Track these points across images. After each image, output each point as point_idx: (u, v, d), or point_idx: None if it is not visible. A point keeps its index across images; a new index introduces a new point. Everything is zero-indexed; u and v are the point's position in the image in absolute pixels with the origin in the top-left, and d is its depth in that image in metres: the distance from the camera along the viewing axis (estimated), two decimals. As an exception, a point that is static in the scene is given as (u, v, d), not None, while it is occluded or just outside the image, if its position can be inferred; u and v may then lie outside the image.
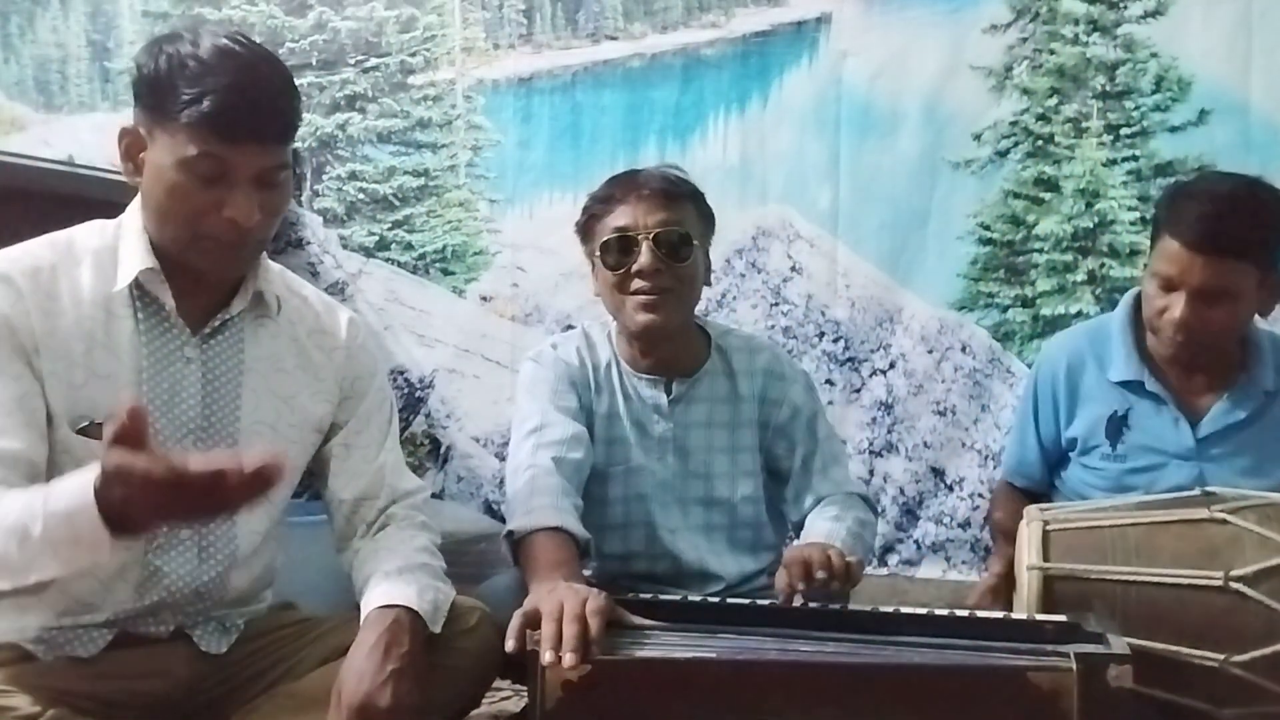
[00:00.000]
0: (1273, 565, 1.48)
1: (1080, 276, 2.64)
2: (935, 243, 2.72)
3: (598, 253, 1.73)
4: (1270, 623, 1.45)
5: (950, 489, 2.75)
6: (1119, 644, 1.28)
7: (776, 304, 2.85)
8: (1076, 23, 2.62)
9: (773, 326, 2.84)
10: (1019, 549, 1.65)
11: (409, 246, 3.12)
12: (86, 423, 1.29)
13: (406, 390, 3.08)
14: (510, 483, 1.69)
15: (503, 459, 2.71)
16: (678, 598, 1.50)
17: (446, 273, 3.10)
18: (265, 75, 1.32)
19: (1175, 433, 1.81)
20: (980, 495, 2.69)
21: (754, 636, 1.33)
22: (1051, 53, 2.64)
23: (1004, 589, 1.87)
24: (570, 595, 1.30)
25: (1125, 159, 2.60)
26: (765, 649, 1.30)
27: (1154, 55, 2.57)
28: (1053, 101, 2.64)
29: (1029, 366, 2.57)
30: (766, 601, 1.52)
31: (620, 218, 1.71)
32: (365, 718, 1.25)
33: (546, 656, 1.24)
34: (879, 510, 2.51)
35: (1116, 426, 1.85)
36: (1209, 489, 1.63)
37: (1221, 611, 1.48)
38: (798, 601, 1.44)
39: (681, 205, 1.73)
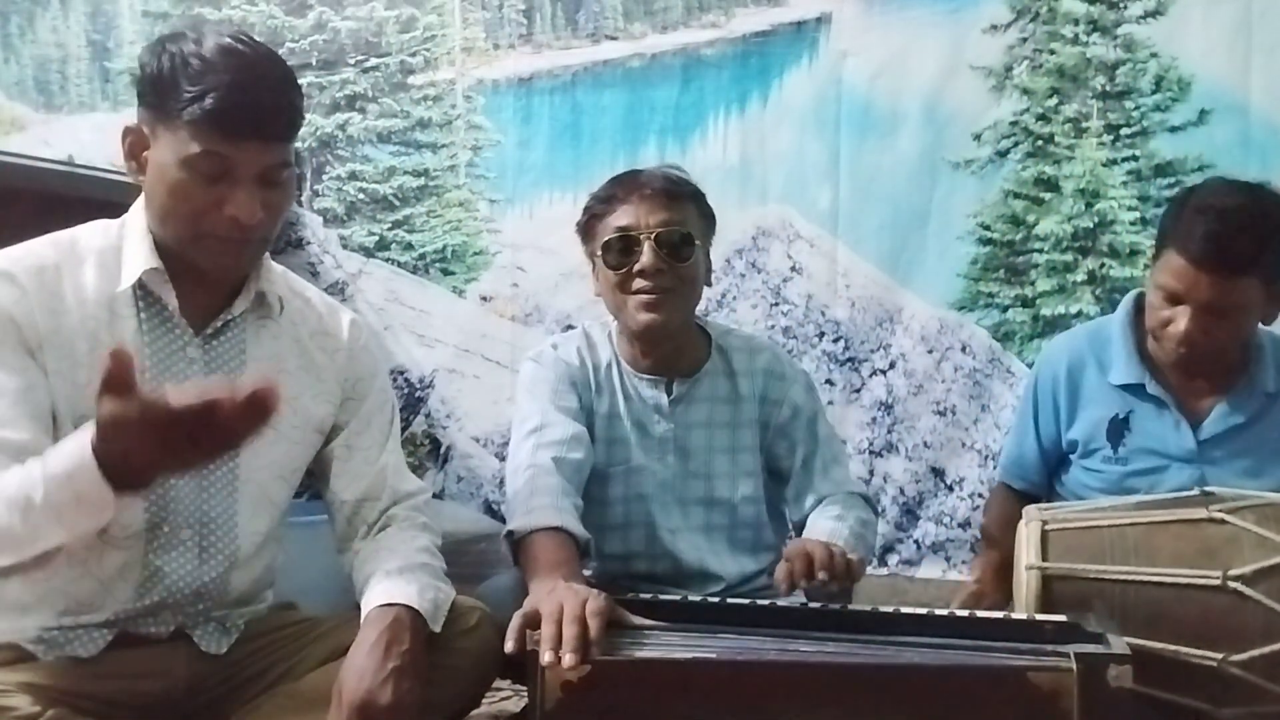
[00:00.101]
0: (1271, 565, 1.48)
1: (1080, 276, 2.64)
2: (935, 243, 2.72)
3: (599, 252, 1.73)
4: (1269, 622, 1.46)
5: (950, 489, 2.74)
6: (1119, 644, 1.29)
7: (776, 304, 2.85)
8: (1076, 23, 2.62)
9: (773, 326, 2.83)
10: (1018, 548, 1.65)
11: (409, 246, 3.12)
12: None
13: (406, 390, 3.07)
14: (510, 483, 1.69)
15: (503, 459, 2.71)
16: (678, 598, 1.50)
17: (446, 273, 3.10)
18: (268, 73, 1.32)
19: (1176, 435, 1.81)
20: (980, 495, 2.68)
21: (754, 636, 1.33)
22: (1051, 53, 2.64)
23: (989, 594, 1.87)
24: (570, 596, 1.30)
25: (1125, 159, 2.60)
26: (765, 649, 1.30)
27: (1154, 55, 2.57)
28: (1053, 101, 2.64)
29: (1029, 367, 2.58)
30: (766, 601, 1.52)
31: (622, 217, 1.71)
32: (366, 716, 1.25)
33: (546, 657, 1.24)
34: (879, 510, 2.51)
35: (1118, 429, 1.84)
36: (1208, 489, 1.63)
37: (1220, 611, 1.48)
38: (797, 594, 1.44)
39: (683, 205, 1.73)
